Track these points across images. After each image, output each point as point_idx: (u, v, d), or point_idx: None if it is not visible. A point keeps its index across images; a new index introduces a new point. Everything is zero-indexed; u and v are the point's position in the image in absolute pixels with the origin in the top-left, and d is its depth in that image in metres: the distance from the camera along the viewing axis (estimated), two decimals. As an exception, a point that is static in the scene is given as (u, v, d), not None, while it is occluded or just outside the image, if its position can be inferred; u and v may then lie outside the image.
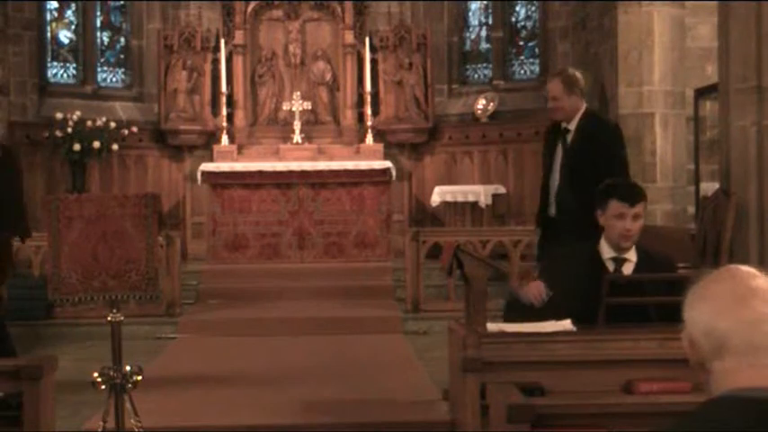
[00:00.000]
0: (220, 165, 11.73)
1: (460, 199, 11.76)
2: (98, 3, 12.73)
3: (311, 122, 12.52)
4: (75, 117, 11.36)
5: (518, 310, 4.54)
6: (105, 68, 12.79)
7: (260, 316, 9.33)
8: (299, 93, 12.29)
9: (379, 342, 8.46)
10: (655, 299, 4.21)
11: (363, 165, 11.67)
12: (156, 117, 12.56)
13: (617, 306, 4.16)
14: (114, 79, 12.87)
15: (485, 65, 13.16)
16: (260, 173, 11.57)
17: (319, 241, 11.51)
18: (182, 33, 12.46)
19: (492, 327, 4.08)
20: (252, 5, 12.56)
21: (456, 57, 13.22)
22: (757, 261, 6.25)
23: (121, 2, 12.99)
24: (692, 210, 9.58)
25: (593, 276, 4.20)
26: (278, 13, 12.74)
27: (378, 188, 11.61)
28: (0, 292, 6.04)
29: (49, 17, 12.40)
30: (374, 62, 12.55)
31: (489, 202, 11.74)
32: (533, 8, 12.89)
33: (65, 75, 12.43)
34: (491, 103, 12.62)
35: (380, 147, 12.28)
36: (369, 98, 12.40)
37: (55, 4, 12.51)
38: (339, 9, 12.57)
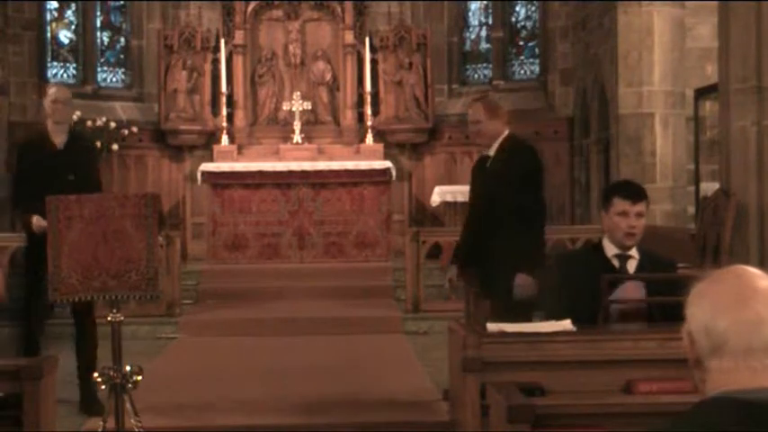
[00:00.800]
0: (220, 165, 11.73)
1: (460, 199, 11.74)
2: (98, 3, 12.73)
3: (311, 122, 12.51)
4: (75, 117, 11.35)
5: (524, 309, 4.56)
6: (105, 68, 12.79)
7: (260, 316, 9.33)
8: (299, 93, 12.29)
9: (379, 342, 8.47)
10: (655, 299, 4.21)
11: (363, 165, 11.67)
12: (156, 117, 12.55)
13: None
14: (114, 79, 12.87)
15: (485, 65, 13.16)
16: (260, 173, 11.57)
17: (319, 241, 11.51)
18: (182, 33, 12.46)
19: (492, 327, 4.08)
20: (252, 5, 12.55)
21: (456, 57, 13.22)
22: (757, 261, 6.25)
23: (121, 2, 13.00)
24: (692, 210, 9.58)
25: (601, 275, 4.22)
26: (278, 13, 12.74)
27: (378, 188, 11.61)
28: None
29: (49, 17, 12.39)
30: (374, 62, 12.55)
31: (489, 202, 11.71)
32: (533, 8, 12.89)
33: (65, 75, 12.42)
34: (491, 104, 12.61)
35: (380, 147, 12.28)
36: (369, 98, 12.40)
37: (55, 4, 12.51)
38: (339, 9, 12.57)
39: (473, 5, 13.34)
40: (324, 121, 12.67)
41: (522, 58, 13.02)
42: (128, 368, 4.31)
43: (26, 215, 5.92)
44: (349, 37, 12.52)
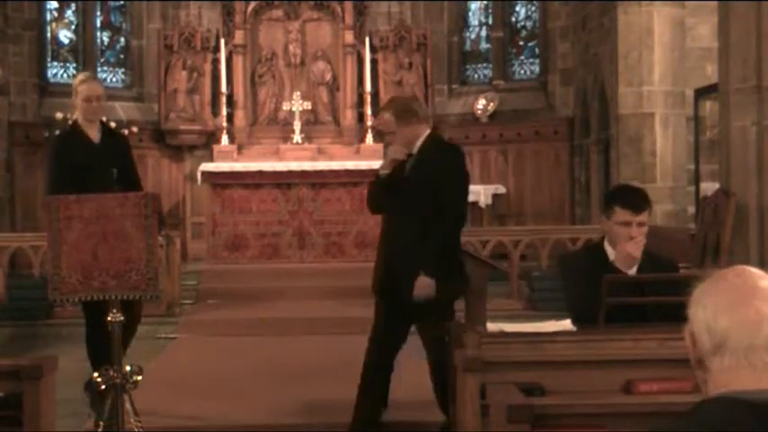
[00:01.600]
0: (220, 165, 11.73)
1: (460, 198, 11.74)
2: (98, 3, 12.73)
3: (311, 122, 12.52)
4: (75, 117, 11.34)
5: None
6: (105, 68, 12.79)
7: (260, 316, 9.32)
8: (299, 93, 12.29)
9: (379, 342, 8.44)
10: (655, 299, 4.21)
11: (363, 165, 11.66)
12: (156, 117, 12.56)
13: (618, 306, 4.15)
14: (114, 79, 12.87)
15: (485, 65, 13.16)
16: (260, 173, 11.57)
17: (319, 241, 11.51)
18: (182, 33, 12.46)
19: (492, 327, 4.08)
20: (252, 5, 12.56)
21: (456, 57, 13.23)
22: (757, 261, 6.25)
23: (121, 2, 13.00)
24: (692, 210, 9.59)
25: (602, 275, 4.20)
26: (278, 13, 12.75)
27: (378, 188, 11.59)
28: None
29: (49, 17, 12.41)
30: (374, 62, 12.55)
31: (489, 202, 11.74)
32: (533, 8, 12.90)
33: (65, 75, 12.42)
34: (491, 103, 12.63)
35: (380, 147, 12.26)
36: (369, 98, 12.40)
37: (55, 4, 12.51)
38: (339, 9, 12.57)
39: (473, 5, 13.34)
40: (324, 121, 12.67)
41: (522, 58, 13.02)
42: (128, 368, 4.31)
43: None
44: (349, 37, 12.52)
